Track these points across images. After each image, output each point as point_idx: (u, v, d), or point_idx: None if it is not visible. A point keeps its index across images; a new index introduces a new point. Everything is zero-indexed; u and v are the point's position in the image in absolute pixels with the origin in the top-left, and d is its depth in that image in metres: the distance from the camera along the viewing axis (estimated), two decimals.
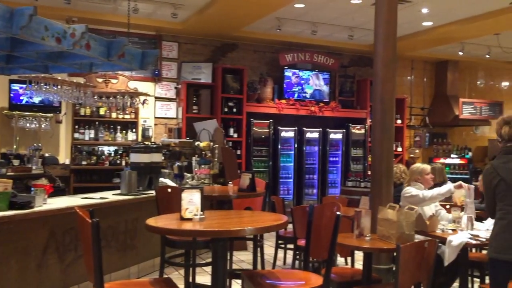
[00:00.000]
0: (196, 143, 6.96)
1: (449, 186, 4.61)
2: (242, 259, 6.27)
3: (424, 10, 7.77)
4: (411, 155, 10.54)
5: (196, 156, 6.70)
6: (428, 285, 3.74)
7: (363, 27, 8.48)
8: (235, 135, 9.02)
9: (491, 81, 12.02)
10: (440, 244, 4.22)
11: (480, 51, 10.01)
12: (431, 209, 4.72)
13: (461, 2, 7.33)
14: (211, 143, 6.95)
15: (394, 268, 3.56)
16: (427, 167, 4.89)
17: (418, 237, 4.07)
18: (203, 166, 6.48)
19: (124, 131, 8.40)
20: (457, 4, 7.42)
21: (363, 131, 9.85)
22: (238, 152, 8.86)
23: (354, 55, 10.42)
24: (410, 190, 4.66)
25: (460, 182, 4.67)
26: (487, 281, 4.18)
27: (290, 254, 5.76)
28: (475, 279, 4.74)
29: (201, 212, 3.08)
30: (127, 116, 8.42)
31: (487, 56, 10.08)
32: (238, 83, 9.04)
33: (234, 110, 9.02)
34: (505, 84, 12.11)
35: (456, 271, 4.23)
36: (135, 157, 5.62)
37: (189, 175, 6.30)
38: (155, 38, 8.94)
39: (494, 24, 8.19)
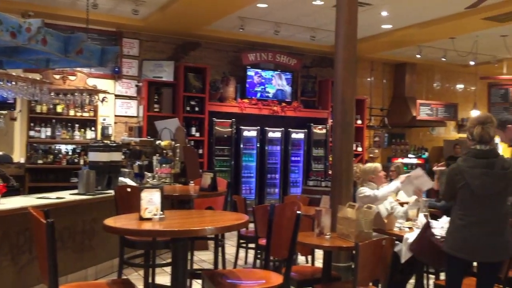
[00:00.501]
0: (157, 142, 6.86)
1: (397, 183, 4.76)
2: (203, 259, 6.23)
3: (384, 13, 7.95)
4: (371, 155, 10.76)
5: (157, 155, 6.61)
6: (385, 282, 3.83)
7: (324, 28, 8.59)
8: (197, 134, 8.96)
9: (446, 83, 12.42)
10: (397, 242, 4.32)
11: (437, 54, 10.32)
12: (385, 206, 4.83)
13: (418, 7, 7.53)
14: (173, 142, 6.87)
15: (353, 266, 3.62)
16: (379, 165, 5.01)
17: (376, 235, 4.15)
18: (164, 165, 6.40)
19: (82, 130, 8.19)
20: (415, 8, 7.62)
21: (324, 131, 9.98)
22: (200, 151, 8.80)
23: (316, 56, 10.55)
24: (363, 190, 4.75)
25: (409, 174, 4.79)
26: (442, 277, 4.32)
27: (251, 253, 5.77)
28: (430, 275, 4.88)
29: (161, 212, 3.04)
30: (85, 114, 8.23)
31: (443, 59, 10.40)
32: (200, 82, 8.98)
33: (196, 109, 8.95)
34: (460, 86, 12.53)
35: (412, 268, 4.34)
36: (93, 156, 5.49)
37: (149, 174, 6.21)
38: (115, 34, 8.76)
39: (449, 28, 8.46)
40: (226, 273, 3.32)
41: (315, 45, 9.76)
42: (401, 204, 5.19)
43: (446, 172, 3.61)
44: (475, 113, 10.97)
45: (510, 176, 3.29)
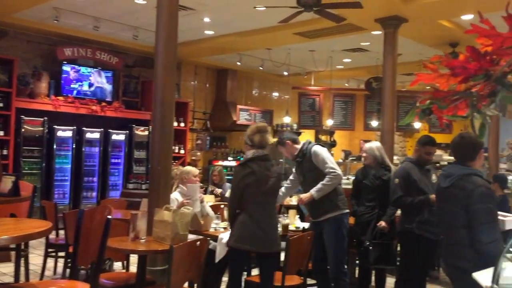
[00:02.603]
0: None
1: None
2: (4, 271, 5.58)
3: (206, 20, 8.15)
4: (193, 158, 10.92)
5: None
6: (199, 282, 3.90)
7: (148, 28, 8.42)
8: (1, 133, 8.00)
9: (264, 91, 13.29)
10: (211, 241, 4.45)
11: (255, 63, 10.99)
12: (198, 207, 4.94)
13: (238, 16, 7.91)
14: None
15: None
16: (195, 169, 5.14)
17: (192, 237, 4.20)
18: None
19: None
20: (235, 17, 7.98)
21: (147, 132, 9.80)
22: (5, 152, 7.89)
23: (140, 56, 10.32)
24: (173, 197, 4.82)
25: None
26: (253, 272, 4.58)
27: (62, 262, 5.36)
28: (244, 272, 5.12)
29: None
30: None
31: (261, 68, 11.12)
32: (6, 75, 8.05)
33: (1, 105, 8.00)
34: (275, 94, 13.53)
35: (224, 266, 4.51)
36: None
37: None
38: None
39: (266, 40, 9.08)
40: (25, 287, 3.00)
41: (138, 45, 9.54)
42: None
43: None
44: (287, 119, 11.98)
45: (280, 178, 3.99)
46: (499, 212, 3.38)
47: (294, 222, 5.22)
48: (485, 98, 1.32)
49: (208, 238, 4.07)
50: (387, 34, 7.42)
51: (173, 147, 9.91)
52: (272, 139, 4.58)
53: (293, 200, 6.64)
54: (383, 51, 7.52)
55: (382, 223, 4.68)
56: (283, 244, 4.09)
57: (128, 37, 9.04)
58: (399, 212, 4.69)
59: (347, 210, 4.44)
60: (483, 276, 2.71)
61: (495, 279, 2.48)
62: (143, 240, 3.94)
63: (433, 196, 3.98)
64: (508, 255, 2.51)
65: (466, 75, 1.34)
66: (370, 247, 4.65)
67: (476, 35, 1.43)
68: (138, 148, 9.73)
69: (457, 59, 1.36)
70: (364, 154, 5.05)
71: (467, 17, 7.12)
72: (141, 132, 9.77)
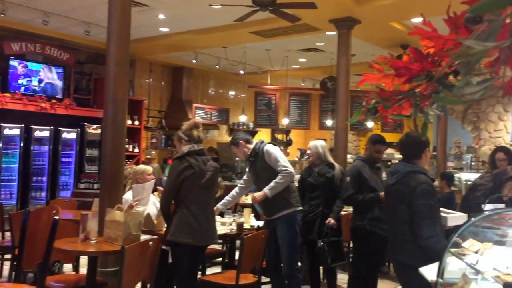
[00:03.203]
0: None
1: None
2: None
3: (161, 16, 8.04)
4: (148, 156, 10.71)
5: None
6: (152, 282, 3.85)
7: (100, 24, 8.23)
8: None
9: (220, 89, 13.25)
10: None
11: (211, 61, 10.93)
12: (152, 207, 4.87)
13: (194, 14, 7.84)
14: None
15: None
16: (149, 168, 5.05)
17: (145, 237, 4.14)
18: None
19: None
20: (190, 15, 7.91)
21: (99, 131, 9.54)
22: None
23: (92, 52, 10.05)
24: (126, 197, 4.73)
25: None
26: (208, 272, 4.55)
27: (8, 265, 5.14)
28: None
29: None
30: None
31: (217, 66, 11.08)
32: None
33: None
34: (231, 93, 13.51)
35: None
36: None
37: None
38: None
39: (222, 38, 9.05)
40: None
41: (90, 41, 9.29)
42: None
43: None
44: (243, 118, 12.00)
45: (216, 172, 4.08)
46: (443, 209, 3.51)
47: (249, 220, 5.24)
48: (428, 98, 1.36)
49: (161, 238, 4.02)
50: (341, 35, 7.56)
51: (127, 146, 9.78)
52: (228, 138, 4.62)
53: (248, 199, 6.65)
54: (337, 52, 7.66)
55: (331, 220, 4.69)
56: (237, 243, 4.11)
57: (80, 32, 8.79)
58: (350, 209, 4.80)
59: (300, 207, 4.50)
60: (428, 270, 2.80)
61: (440, 273, 2.57)
62: (94, 241, 3.85)
63: (382, 193, 4.09)
64: (452, 249, 2.61)
65: (409, 76, 1.37)
66: (326, 247, 4.62)
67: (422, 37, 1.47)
68: (90, 146, 9.48)
69: (401, 60, 1.40)
70: (308, 151, 5.11)
71: (417, 20, 7.35)
72: (93, 130, 9.52)
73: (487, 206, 2.88)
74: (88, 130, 9.43)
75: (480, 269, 2.30)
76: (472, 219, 2.54)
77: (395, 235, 3.32)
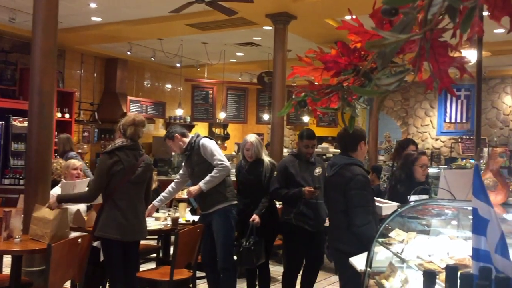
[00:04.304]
0: None
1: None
2: None
3: (93, 5, 7.73)
4: (79, 150, 10.33)
5: None
6: (82, 281, 3.71)
7: (26, 11, 7.78)
8: None
9: (156, 82, 12.98)
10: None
11: (147, 53, 10.67)
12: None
13: (127, 3, 7.61)
14: None
15: None
16: (75, 162, 4.87)
17: (75, 234, 3.99)
18: None
19: None
20: (124, 4, 7.67)
21: (26, 124, 9.05)
22: None
23: (17, 41, 9.49)
24: (54, 193, 4.55)
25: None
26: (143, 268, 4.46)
27: None
28: None
29: None
30: None
31: (153, 58, 10.82)
32: None
33: None
34: (168, 86, 13.28)
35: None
36: None
37: None
38: None
39: (157, 30, 8.85)
40: None
41: (16, 29, 8.77)
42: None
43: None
44: (180, 112, 11.85)
45: (148, 168, 3.99)
46: (378, 199, 3.65)
47: (184, 215, 5.18)
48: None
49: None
50: (277, 29, 7.62)
51: (57, 139, 9.36)
52: (164, 132, 4.54)
53: (184, 193, 6.58)
54: (273, 47, 7.71)
55: (256, 218, 4.47)
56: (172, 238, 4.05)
57: (4, 19, 8.26)
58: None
59: (236, 202, 4.49)
60: (358, 260, 2.90)
61: (369, 262, 2.66)
62: (18, 239, 3.66)
63: (306, 188, 4.19)
64: (380, 239, 2.71)
65: (337, 69, 1.39)
66: (252, 248, 4.39)
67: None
68: (16, 140, 8.96)
69: (330, 54, 1.42)
70: (247, 147, 4.74)
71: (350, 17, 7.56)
72: (19, 123, 8.99)
73: (412, 197, 3.02)
74: (14, 123, 8.90)
75: (404, 257, 2.40)
76: (398, 209, 2.65)
77: (333, 225, 3.47)
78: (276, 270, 5.49)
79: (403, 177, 4.08)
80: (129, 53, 10.26)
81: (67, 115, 9.78)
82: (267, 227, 4.54)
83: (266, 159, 4.74)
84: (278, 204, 5.00)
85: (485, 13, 1.35)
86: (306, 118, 13.14)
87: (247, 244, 4.38)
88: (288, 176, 4.35)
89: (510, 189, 2.37)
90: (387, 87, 0.90)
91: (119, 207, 3.75)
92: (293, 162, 4.41)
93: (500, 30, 7.07)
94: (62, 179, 4.72)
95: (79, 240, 3.50)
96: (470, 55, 4.15)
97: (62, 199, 3.89)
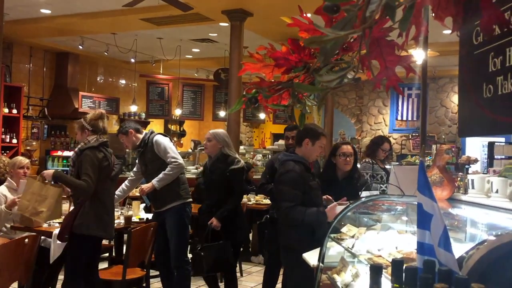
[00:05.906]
0: None
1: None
2: None
3: None
4: (28, 147, 9.98)
5: None
6: (29, 283, 3.59)
7: None
8: None
9: (109, 77, 12.67)
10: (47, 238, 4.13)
11: (100, 48, 10.39)
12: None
13: None
14: None
15: None
16: (21, 160, 4.68)
17: (21, 234, 3.84)
18: None
19: None
20: None
21: None
22: None
23: None
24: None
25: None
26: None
27: None
28: None
29: None
30: None
31: (106, 53, 10.55)
32: None
33: None
34: (122, 81, 12.99)
35: (59, 264, 4.22)
36: None
37: None
38: None
39: (110, 24, 8.64)
40: None
41: None
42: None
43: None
44: (134, 108, 11.64)
45: (122, 165, 3.99)
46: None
47: (138, 213, 5.09)
48: None
49: (39, 235, 3.76)
50: (234, 26, 7.60)
51: (4, 136, 8.99)
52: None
53: (137, 191, 6.48)
54: (230, 43, 7.69)
55: (214, 221, 4.15)
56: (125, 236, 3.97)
57: None
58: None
59: (190, 200, 4.44)
60: (311, 255, 2.93)
61: (321, 258, 2.70)
62: None
63: None
64: (332, 235, 2.75)
65: (288, 66, 1.40)
66: (202, 253, 4.07)
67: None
68: None
69: (280, 50, 1.42)
70: (206, 142, 4.37)
71: (307, 15, 7.64)
72: None
73: (363, 193, 3.08)
74: None
75: (355, 252, 2.44)
76: (350, 205, 2.69)
77: (279, 221, 3.49)
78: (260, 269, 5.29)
79: None
80: (81, 47, 9.97)
81: (14, 111, 9.40)
82: (230, 232, 4.24)
83: (235, 158, 4.30)
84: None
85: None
86: (262, 115, 13.20)
87: (199, 249, 4.12)
88: (273, 172, 4.26)
89: (456, 185, 2.46)
90: (328, 84, 0.91)
91: (104, 204, 3.72)
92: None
93: (449, 31, 7.33)
94: (8, 178, 4.52)
95: (26, 240, 3.37)
96: (418, 55, 4.27)
97: (60, 178, 3.62)
